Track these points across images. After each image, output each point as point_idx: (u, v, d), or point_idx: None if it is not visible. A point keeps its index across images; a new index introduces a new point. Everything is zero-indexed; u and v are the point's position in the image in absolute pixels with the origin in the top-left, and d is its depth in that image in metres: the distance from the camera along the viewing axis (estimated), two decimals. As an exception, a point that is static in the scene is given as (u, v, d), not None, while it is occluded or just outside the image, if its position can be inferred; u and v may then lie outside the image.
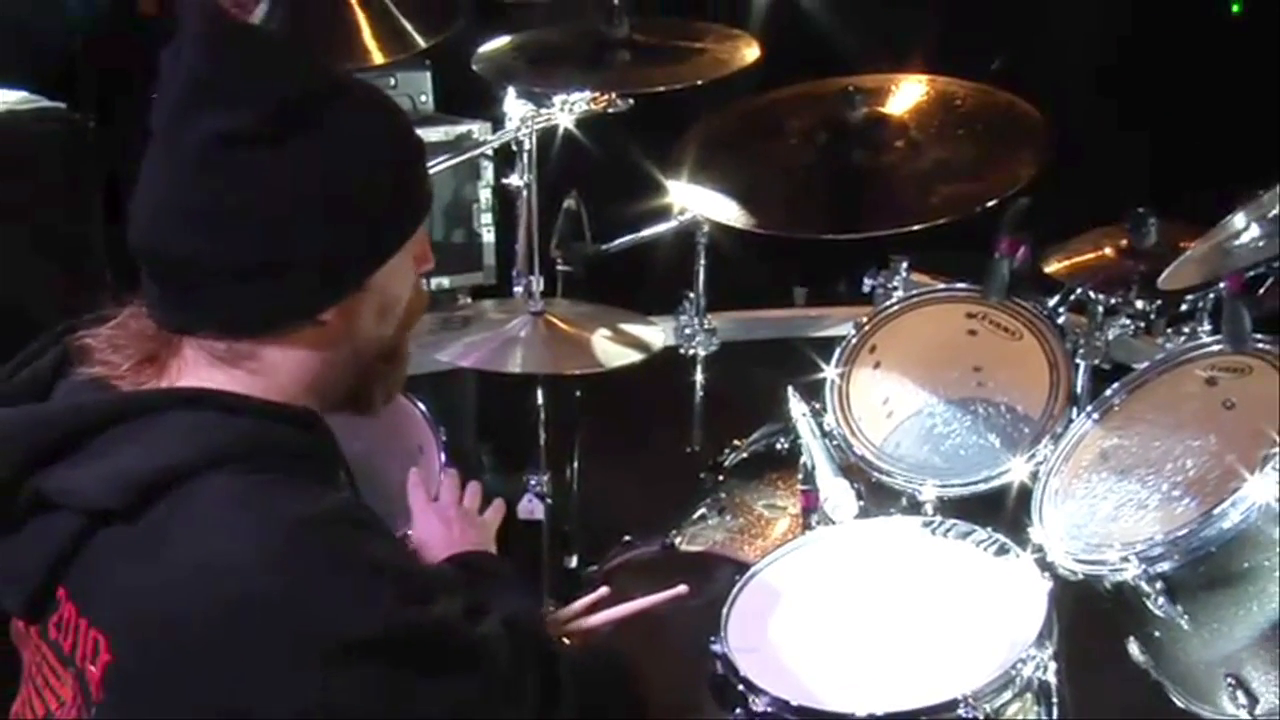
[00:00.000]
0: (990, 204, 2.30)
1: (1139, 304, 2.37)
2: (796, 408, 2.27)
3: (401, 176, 1.36)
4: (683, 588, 1.84)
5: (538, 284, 2.57)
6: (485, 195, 3.28)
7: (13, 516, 1.27)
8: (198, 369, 1.32)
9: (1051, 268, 2.48)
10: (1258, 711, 1.87)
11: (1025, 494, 2.15)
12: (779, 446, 2.53)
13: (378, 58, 2.49)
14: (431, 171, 2.83)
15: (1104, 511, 2.03)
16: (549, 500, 2.71)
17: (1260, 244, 1.94)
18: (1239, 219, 1.94)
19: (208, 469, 1.24)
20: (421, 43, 2.51)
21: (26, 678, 1.36)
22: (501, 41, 2.65)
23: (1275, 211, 1.89)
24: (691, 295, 2.83)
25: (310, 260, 1.28)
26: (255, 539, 1.20)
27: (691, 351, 2.84)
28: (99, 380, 1.32)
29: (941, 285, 2.49)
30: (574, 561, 2.87)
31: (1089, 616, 2.01)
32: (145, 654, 1.21)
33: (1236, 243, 1.95)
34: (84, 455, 1.26)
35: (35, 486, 1.25)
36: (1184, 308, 2.39)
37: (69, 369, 1.36)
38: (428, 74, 3.27)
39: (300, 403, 1.35)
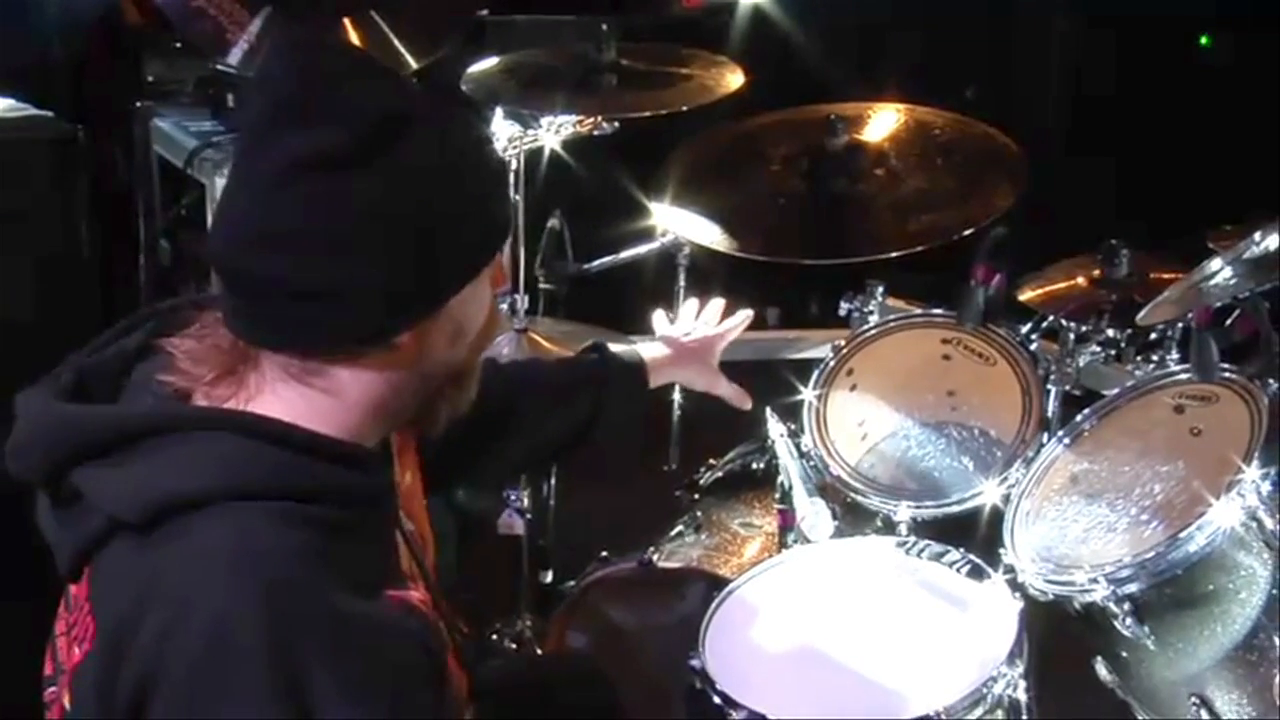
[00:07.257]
0: (967, 232, 2.33)
1: (1110, 332, 2.41)
2: (774, 428, 2.28)
3: (484, 202, 1.33)
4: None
5: (522, 302, 2.59)
6: (470, 213, 3.28)
7: (61, 497, 1.29)
8: (272, 384, 1.30)
9: (1025, 296, 2.51)
10: (1220, 730, 1.89)
11: (997, 516, 2.16)
12: (754, 466, 2.54)
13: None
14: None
15: (1074, 534, 2.05)
16: (528, 515, 2.73)
17: (1231, 283, 1.97)
18: (1214, 263, 1.97)
19: (229, 498, 1.21)
20: (414, 64, 2.51)
21: (60, 631, 1.36)
22: (490, 63, 2.66)
23: (1247, 254, 1.93)
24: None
25: (387, 285, 1.25)
26: (241, 604, 1.17)
27: (670, 371, 2.84)
28: (176, 390, 1.31)
29: (918, 311, 2.50)
30: (549, 577, 2.88)
31: (1058, 636, 2.03)
32: (110, 660, 1.21)
33: (1210, 283, 1.99)
34: (120, 458, 1.25)
35: (76, 481, 1.26)
36: (1153, 337, 2.43)
37: (150, 355, 1.35)
38: (413, 92, 3.28)
39: (367, 423, 1.32)
